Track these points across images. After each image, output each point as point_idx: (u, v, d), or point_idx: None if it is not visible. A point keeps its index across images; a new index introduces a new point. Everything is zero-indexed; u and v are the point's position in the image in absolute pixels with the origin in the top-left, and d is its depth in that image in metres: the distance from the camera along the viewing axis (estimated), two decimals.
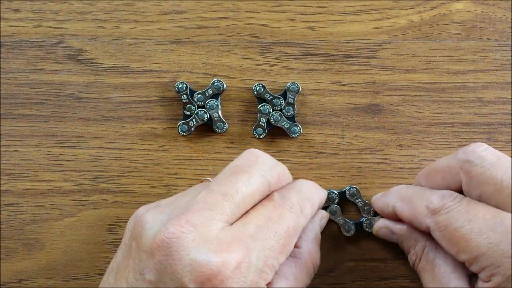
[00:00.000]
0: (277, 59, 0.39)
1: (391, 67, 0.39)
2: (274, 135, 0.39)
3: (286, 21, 0.39)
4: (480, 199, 0.30)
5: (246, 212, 0.30)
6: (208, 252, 0.27)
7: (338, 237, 0.39)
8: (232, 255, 0.27)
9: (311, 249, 0.33)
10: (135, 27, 0.40)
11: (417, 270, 0.33)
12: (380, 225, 0.36)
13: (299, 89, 0.38)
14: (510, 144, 0.39)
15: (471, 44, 0.39)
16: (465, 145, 0.39)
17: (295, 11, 0.39)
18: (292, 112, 0.38)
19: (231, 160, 0.39)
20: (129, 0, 0.40)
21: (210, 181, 0.33)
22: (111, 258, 0.40)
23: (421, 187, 0.34)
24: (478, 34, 0.39)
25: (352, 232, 0.38)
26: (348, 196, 0.38)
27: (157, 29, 0.40)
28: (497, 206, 0.29)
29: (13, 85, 0.40)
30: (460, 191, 0.31)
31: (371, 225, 0.38)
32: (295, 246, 0.32)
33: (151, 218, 0.29)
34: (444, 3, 0.39)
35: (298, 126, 0.38)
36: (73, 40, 0.40)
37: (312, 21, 0.39)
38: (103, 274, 0.40)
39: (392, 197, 0.35)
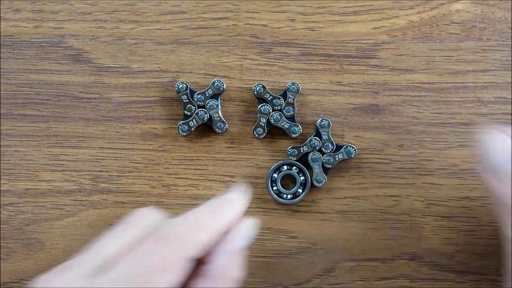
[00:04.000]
0: (277, 59, 0.39)
1: (391, 67, 0.39)
2: (274, 135, 0.39)
3: (286, 21, 0.39)
4: None
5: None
6: None
7: (338, 237, 0.39)
8: None
9: (224, 263, 0.30)
10: (135, 28, 0.40)
11: None
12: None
13: (299, 89, 0.38)
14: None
15: (471, 44, 0.39)
16: (465, 145, 0.39)
17: (295, 12, 0.39)
18: (292, 112, 0.39)
19: (231, 160, 0.40)
20: (130, 1, 0.40)
21: None
22: None
23: None
24: (478, 34, 0.39)
25: (323, 183, 0.38)
26: (319, 127, 0.38)
27: (157, 29, 0.40)
28: None
29: (14, 85, 0.40)
30: None
31: (330, 161, 0.38)
32: (203, 263, 0.29)
33: None
34: (443, 3, 0.39)
35: (298, 126, 0.38)
36: (73, 41, 0.40)
37: (312, 21, 0.39)
38: None
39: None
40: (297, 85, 0.38)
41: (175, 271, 0.27)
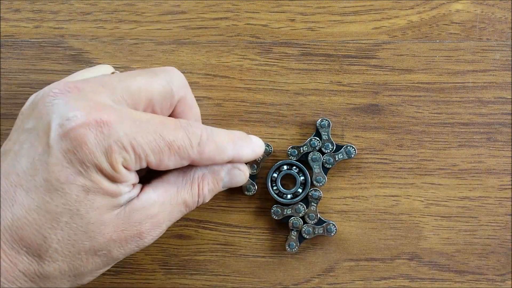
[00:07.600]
0: (277, 59, 0.39)
1: (391, 67, 0.39)
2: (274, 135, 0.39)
3: (286, 22, 0.39)
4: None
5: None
6: (81, 110, 0.28)
7: (337, 236, 0.39)
8: (100, 113, 0.28)
9: (203, 190, 0.33)
10: (135, 28, 0.40)
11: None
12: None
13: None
14: (510, 144, 0.39)
15: (471, 44, 0.39)
16: (464, 145, 0.39)
17: (295, 12, 0.39)
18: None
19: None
20: (130, 1, 0.40)
21: None
22: None
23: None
24: (478, 35, 0.39)
25: (323, 183, 0.38)
26: (318, 127, 0.38)
27: (157, 29, 0.40)
28: None
29: (14, 85, 0.40)
30: None
31: (330, 161, 0.38)
32: None
33: None
34: (443, 3, 0.39)
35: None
36: (73, 41, 0.40)
37: (312, 22, 0.39)
38: (103, 274, 0.40)
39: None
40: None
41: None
